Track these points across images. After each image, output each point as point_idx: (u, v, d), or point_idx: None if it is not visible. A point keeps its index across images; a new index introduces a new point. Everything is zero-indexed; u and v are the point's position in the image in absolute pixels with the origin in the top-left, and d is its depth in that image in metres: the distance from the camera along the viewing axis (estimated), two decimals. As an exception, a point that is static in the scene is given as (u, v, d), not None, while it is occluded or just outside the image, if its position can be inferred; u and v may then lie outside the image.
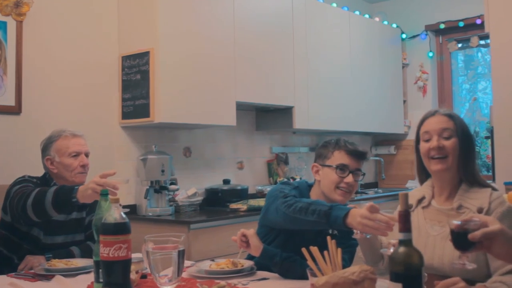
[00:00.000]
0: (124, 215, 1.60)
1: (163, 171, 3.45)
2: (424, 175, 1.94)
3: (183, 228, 3.16)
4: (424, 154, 1.83)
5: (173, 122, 3.45)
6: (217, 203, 3.83)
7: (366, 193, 4.98)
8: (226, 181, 3.96)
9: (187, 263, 2.28)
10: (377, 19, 5.44)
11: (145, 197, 3.43)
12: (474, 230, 1.35)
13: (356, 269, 1.48)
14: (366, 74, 5.08)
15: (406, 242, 1.31)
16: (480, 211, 1.72)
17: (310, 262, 1.57)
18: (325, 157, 2.19)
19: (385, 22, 5.49)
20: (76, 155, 2.49)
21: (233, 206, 3.65)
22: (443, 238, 1.74)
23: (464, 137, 1.79)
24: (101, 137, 3.48)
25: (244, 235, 2.09)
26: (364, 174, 2.19)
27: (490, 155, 3.72)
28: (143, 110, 3.38)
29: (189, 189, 3.72)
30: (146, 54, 3.37)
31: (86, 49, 3.46)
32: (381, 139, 5.81)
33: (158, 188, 3.48)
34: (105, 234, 1.56)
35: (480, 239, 1.33)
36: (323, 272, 1.57)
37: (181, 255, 1.61)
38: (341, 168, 2.12)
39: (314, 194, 2.22)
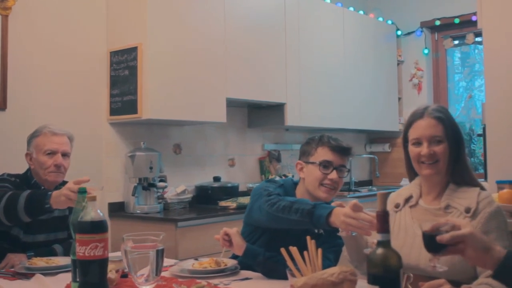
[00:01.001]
0: (101, 214, 1.58)
1: (151, 168, 3.41)
2: (412, 173, 1.90)
3: (170, 226, 3.12)
4: (414, 158, 1.80)
5: (162, 119, 3.41)
6: (207, 200, 3.79)
7: (359, 191, 4.94)
8: (216, 179, 3.92)
9: (170, 262, 2.26)
10: (371, 15, 5.38)
11: (133, 195, 3.39)
12: (445, 233, 1.34)
13: (335, 270, 1.45)
14: (360, 71, 5.03)
15: (384, 243, 1.27)
16: (467, 211, 1.69)
17: (289, 262, 1.54)
18: (308, 154, 2.16)
19: (380, 19, 5.44)
20: (51, 153, 2.44)
21: (223, 203, 3.61)
22: None
23: (453, 140, 1.75)
24: (89, 134, 3.44)
25: (226, 234, 2.06)
26: (349, 170, 2.15)
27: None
28: (131, 106, 3.33)
29: (178, 186, 3.68)
30: (134, 50, 3.32)
31: (74, 45, 3.41)
32: (375, 137, 5.77)
33: (146, 185, 3.44)
34: (81, 232, 1.53)
35: (449, 242, 1.32)
36: (302, 273, 1.54)
37: (160, 254, 1.58)
38: (325, 164, 2.09)
39: (299, 192, 2.19)
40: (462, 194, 1.74)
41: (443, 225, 1.35)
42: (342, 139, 2.22)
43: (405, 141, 1.85)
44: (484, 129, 3.21)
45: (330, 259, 2.05)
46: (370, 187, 5.41)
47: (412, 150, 1.79)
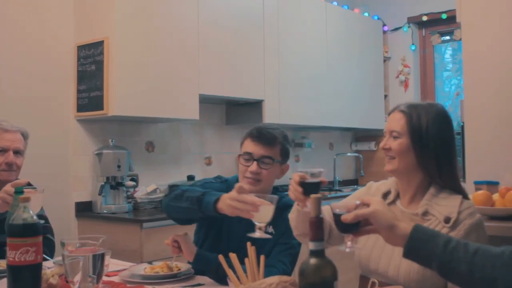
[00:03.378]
0: (35, 216, 1.49)
1: (119, 166, 3.30)
2: None
3: (135, 226, 3.01)
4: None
5: (130, 116, 3.29)
6: (180, 200, 3.66)
7: (342, 191, 4.84)
8: (190, 177, 3.80)
9: (125, 265, 2.16)
10: (356, 10, 5.26)
11: (99, 194, 3.29)
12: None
13: (274, 280, 1.36)
14: (344, 68, 4.92)
15: (318, 253, 1.15)
16: (447, 220, 1.55)
17: (227, 270, 1.44)
18: (241, 147, 2.08)
19: (366, 14, 5.32)
20: (2, 151, 2.33)
21: (195, 203, 3.49)
22: None
23: (418, 137, 1.59)
24: (55, 131, 3.34)
25: (175, 240, 1.96)
26: (274, 161, 1.97)
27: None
28: (98, 103, 3.22)
29: (149, 185, 3.56)
30: (100, 44, 3.21)
31: (40, 38, 3.30)
32: (361, 135, 5.65)
33: (114, 184, 3.33)
34: (12, 236, 1.45)
35: (353, 221, 1.29)
36: (241, 282, 1.44)
37: (98, 259, 1.49)
38: (245, 157, 1.99)
39: None
40: (443, 200, 1.59)
41: (353, 206, 1.32)
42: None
43: None
44: (462, 127, 3.09)
45: (286, 263, 1.93)
46: (355, 186, 5.30)
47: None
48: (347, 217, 1.29)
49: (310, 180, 1.52)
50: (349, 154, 5.49)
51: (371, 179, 5.93)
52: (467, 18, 3.03)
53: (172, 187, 3.78)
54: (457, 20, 3.08)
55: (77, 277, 1.47)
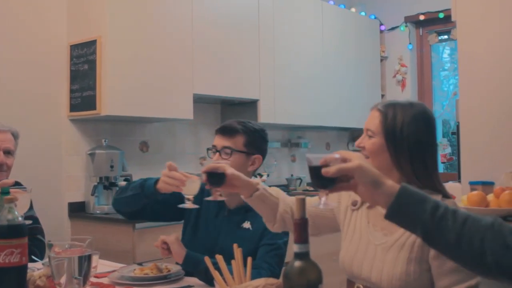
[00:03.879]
0: (20, 217, 1.47)
1: (112, 166, 3.27)
2: None
3: (128, 227, 2.99)
4: None
5: (123, 115, 3.27)
6: (174, 200, 3.64)
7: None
8: (184, 178, 3.77)
9: (115, 266, 2.14)
10: (353, 9, 5.23)
11: (92, 194, 3.26)
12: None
13: (260, 283, 1.34)
14: (341, 68, 4.88)
15: (302, 255, 1.12)
16: None
17: (213, 272, 1.42)
18: None
19: (363, 13, 5.29)
20: None
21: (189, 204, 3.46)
22: (385, 249, 1.54)
23: (392, 136, 1.54)
24: (48, 131, 3.32)
25: (165, 242, 1.94)
26: (233, 150, 2.01)
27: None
28: (90, 102, 3.19)
29: (143, 186, 3.53)
30: (93, 43, 3.18)
31: (33, 37, 3.28)
32: (358, 135, 5.53)
33: (107, 184, 3.30)
34: None
35: (335, 175, 1.17)
36: (228, 284, 1.42)
37: (84, 260, 1.48)
38: (212, 150, 2.09)
39: None
40: None
41: (333, 159, 1.20)
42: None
43: None
44: (458, 127, 3.06)
45: (272, 264, 1.92)
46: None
47: None
48: (329, 170, 1.17)
49: (213, 171, 1.61)
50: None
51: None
52: (463, 17, 3.00)
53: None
54: (452, 19, 3.05)
55: (63, 279, 1.46)
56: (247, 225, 1.99)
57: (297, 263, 1.12)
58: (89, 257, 1.51)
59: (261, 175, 4.31)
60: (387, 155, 1.54)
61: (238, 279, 1.41)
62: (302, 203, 1.15)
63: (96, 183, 3.28)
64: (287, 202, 1.70)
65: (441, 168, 5.03)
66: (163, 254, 1.98)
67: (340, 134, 5.48)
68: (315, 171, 1.21)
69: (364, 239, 1.62)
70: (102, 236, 3.02)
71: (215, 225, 2.07)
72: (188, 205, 1.76)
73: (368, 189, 1.18)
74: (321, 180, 1.20)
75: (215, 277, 1.41)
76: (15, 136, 2.43)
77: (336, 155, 1.20)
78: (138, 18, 3.30)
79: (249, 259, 1.44)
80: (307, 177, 4.66)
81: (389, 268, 1.51)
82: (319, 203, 1.24)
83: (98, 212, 3.28)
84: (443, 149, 5.02)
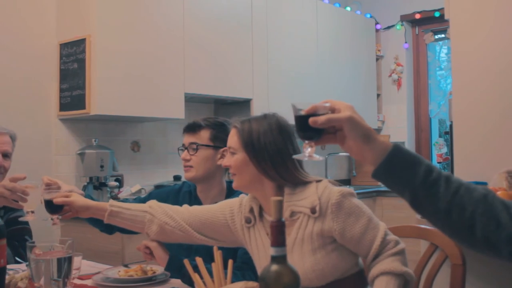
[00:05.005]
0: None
1: (102, 166, 3.24)
2: None
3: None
4: None
5: (113, 115, 3.23)
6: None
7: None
8: (176, 177, 3.74)
9: (101, 268, 2.11)
10: (348, 8, 5.20)
11: (82, 195, 3.22)
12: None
13: (240, 286, 1.32)
14: (336, 67, 4.85)
15: (279, 259, 1.08)
16: (313, 211, 1.53)
17: (192, 275, 1.40)
18: None
19: (358, 12, 5.26)
20: None
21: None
22: (289, 251, 1.55)
23: (251, 149, 1.60)
24: (37, 130, 3.28)
25: (147, 247, 1.91)
26: (198, 145, 2.06)
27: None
28: (80, 102, 3.16)
29: (133, 186, 3.50)
30: (82, 42, 3.15)
31: (22, 36, 3.24)
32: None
33: (97, 184, 3.27)
34: None
35: (324, 126, 1.07)
36: (207, 287, 1.39)
37: (63, 262, 1.47)
38: (181, 148, 2.14)
39: None
40: (301, 194, 1.57)
41: (322, 108, 1.09)
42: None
43: None
44: (451, 127, 3.03)
45: (253, 266, 1.89)
46: (348, 186, 5.23)
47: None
48: (317, 120, 1.06)
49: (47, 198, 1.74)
50: (341, 154, 5.42)
51: (364, 180, 5.85)
52: (456, 15, 2.97)
53: (158, 188, 3.72)
54: (446, 17, 3.02)
55: (42, 281, 1.44)
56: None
57: (274, 267, 1.08)
58: (69, 259, 1.49)
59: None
60: (252, 167, 1.61)
61: (218, 282, 1.38)
62: (279, 205, 1.12)
63: (86, 183, 3.25)
64: (170, 214, 1.76)
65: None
66: (146, 258, 1.95)
67: (335, 134, 5.44)
68: (301, 120, 1.10)
69: (268, 251, 1.61)
70: (91, 237, 2.98)
71: None
72: (29, 217, 1.85)
73: (357, 144, 1.08)
74: (307, 131, 1.09)
75: (195, 280, 1.40)
76: (13, 138, 2.42)
77: (326, 104, 1.10)
78: (128, 16, 3.27)
79: (230, 262, 1.42)
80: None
81: (299, 266, 1.54)
82: (303, 154, 1.12)
83: (87, 212, 3.24)
84: (439, 149, 4.99)
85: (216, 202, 1.97)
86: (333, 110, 1.08)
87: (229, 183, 2.18)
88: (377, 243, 1.51)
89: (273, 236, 1.10)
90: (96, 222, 2.03)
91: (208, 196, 2.09)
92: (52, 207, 1.69)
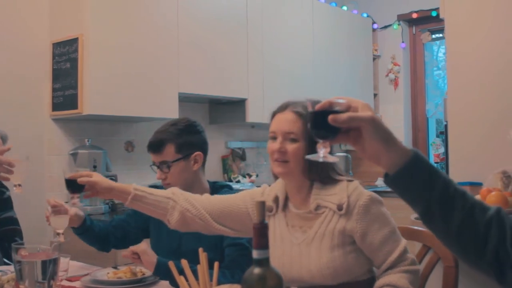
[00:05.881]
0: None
1: (95, 166, 3.21)
2: None
3: (109, 229, 2.91)
4: (269, 154, 1.63)
5: (106, 115, 3.21)
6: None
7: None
8: (171, 178, 3.71)
9: (90, 269, 2.09)
10: (345, 8, 5.17)
11: (74, 195, 3.20)
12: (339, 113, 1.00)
13: None
14: (332, 67, 4.82)
15: (262, 262, 1.06)
16: (340, 208, 1.53)
17: (177, 278, 1.38)
18: None
19: (355, 12, 5.23)
20: None
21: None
22: (307, 244, 1.57)
23: (312, 141, 1.47)
24: (30, 130, 3.25)
25: (135, 253, 1.89)
26: (169, 163, 2.03)
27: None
28: (72, 101, 3.13)
29: (127, 186, 3.48)
30: (75, 41, 3.12)
31: (14, 35, 3.21)
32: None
33: (90, 185, 3.24)
34: None
35: (344, 124, 0.97)
36: (193, 290, 1.37)
37: (48, 264, 1.44)
38: (153, 167, 2.12)
39: None
40: (331, 190, 1.57)
41: (338, 104, 1.00)
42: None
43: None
44: (446, 127, 3.01)
45: (242, 265, 1.89)
46: (344, 186, 5.21)
47: (268, 145, 1.63)
48: (338, 118, 0.97)
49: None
50: (337, 154, 5.40)
51: (361, 180, 5.86)
52: (451, 14, 2.95)
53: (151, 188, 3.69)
54: (441, 16, 3.00)
55: (27, 283, 1.41)
56: None
57: (257, 270, 1.06)
58: (54, 261, 1.46)
59: (250, 175, 4.26)
60: (305, 159, 1.53)
61: (203, 285, 1.36)
62: (262, 207, 1.10)
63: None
64: (192, 201, 1.71)
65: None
66: (134, 262, 1.94)
67: (332, 134, 5.41)
68: (318, 117, 1.00)
69: (287, 243, 1.63)
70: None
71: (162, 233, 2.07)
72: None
73: (374, 146, 1.00)
74: (323, 129, 1.00)
75: (180, 283, 1.37)
76: (4, 139, 2.40)
77: (340, 100, 1.00)
78: (121, 15, 3.24)
79: (216, 264, 1.40)
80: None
81: (315, 260, 1.54)
82: (318, 155, 1.05)
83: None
84: (436, 149, 4.97)
85: None
86: (348, 107, 1.00)
87: (212, 183, 2.17)
88: (395, 256, 1.52)
89: (255, 239, 1.08)
90: (93, 241, 2.11)
91: None
92: (74, 186, 1.67)
